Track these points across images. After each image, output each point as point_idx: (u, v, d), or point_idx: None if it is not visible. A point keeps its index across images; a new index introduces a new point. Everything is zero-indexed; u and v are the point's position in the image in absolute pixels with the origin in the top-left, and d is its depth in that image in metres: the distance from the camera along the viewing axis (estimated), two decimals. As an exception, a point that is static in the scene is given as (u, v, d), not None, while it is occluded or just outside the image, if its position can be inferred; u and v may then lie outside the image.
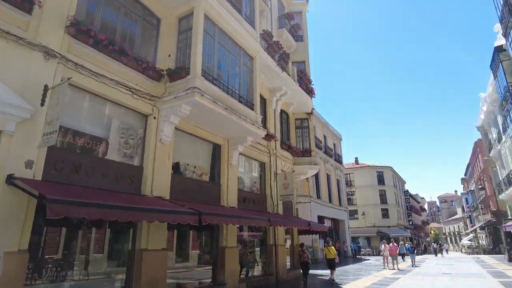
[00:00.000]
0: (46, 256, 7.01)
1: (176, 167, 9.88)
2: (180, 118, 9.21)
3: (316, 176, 31.37)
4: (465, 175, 65.89)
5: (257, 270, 13.27)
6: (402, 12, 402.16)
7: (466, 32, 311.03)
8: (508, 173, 25.58)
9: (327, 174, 34.81)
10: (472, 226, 59.30)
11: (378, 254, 37.21)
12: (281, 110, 16.94)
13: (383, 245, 20.92)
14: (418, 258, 31.17)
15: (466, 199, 64.77)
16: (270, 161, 14.69)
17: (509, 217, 28.43)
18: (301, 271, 13.51)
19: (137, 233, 8.13)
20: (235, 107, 10.25)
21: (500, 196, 28.44)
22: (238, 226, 11.32)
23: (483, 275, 15.32)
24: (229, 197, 11.37)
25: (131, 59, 8.50)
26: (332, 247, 14.43)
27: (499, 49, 20.74)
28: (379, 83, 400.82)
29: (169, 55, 9.80)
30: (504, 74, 20.18)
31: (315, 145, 32.46)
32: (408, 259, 25.56)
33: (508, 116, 20.67)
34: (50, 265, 7.02)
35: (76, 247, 7.56)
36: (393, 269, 19.04)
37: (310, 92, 17.76)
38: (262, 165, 14.60)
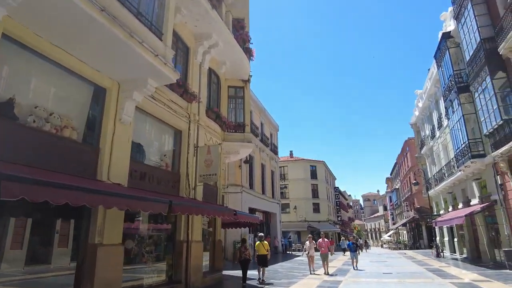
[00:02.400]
0: None
1: (5, 106, 5.65)
2: (5, 7, 5.04)
3: (250, 164, 28.46)
4: (391, 174, 69.25)
5: (158, 276, 9.47)
6: (341, 6, 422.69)
7: (405, 32, 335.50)
8: (440, 169, 25.30)
9: (262, 164, 32.14)
10: (394, 223, 62.24)
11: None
12: (210, 69, 13.29)
13: (308, 242, 15.00)
14: (343, 255, 29.80)
15: (390, 197, 68.01)
16: (189, 129, 10.94)
17: (435, 213, 28.54)
18: (242, 271, 11.59)
19: None
20: (125, 20, 6.35)
21: (429, 192, 28.33)
22: (126, 211, 7.40)
23: (428, 275, 13.56)
24: (113, 169, 7.41)
25: None
26: (266, 242, 12.75)
27: (446, 36, 19.68)
28: (314, 79, 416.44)
29: None
30: (451, 62, 19.13)
31: (252, 131, 29.68)
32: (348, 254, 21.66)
33: (450, 107, 19.77)
34: None
35: None
36: (323, 274, 14.18)
37: (248, 52, 14.37)
38: (177, 134, 10.80)
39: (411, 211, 43.87)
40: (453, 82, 18.86)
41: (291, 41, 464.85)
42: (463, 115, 17.85)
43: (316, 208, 50.67)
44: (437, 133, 26.01)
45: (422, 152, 32.08)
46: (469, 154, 17.16)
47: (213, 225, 12.83)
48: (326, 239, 15.50)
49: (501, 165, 15.00)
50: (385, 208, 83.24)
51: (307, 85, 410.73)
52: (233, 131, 14.19)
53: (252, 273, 14.00)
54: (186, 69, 11.49)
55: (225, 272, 14.85)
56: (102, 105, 7.65)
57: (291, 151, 56.77)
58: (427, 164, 31.18)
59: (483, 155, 16.81)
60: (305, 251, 15.26)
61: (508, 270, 14.22)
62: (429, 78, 27.02)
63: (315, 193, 51.45)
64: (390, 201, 67.03)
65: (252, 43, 14.67)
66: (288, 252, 35.05)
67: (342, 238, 40.40)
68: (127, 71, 7.50)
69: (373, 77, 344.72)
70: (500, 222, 16.01)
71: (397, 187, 58.62)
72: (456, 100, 18.63)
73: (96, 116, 7.55)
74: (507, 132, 13.53)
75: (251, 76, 15.16)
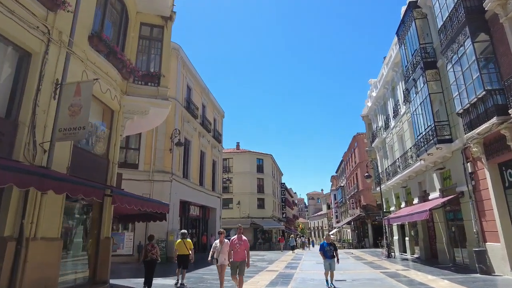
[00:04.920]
0: None
1: None
2: None
3: (186, 149, 24.15)
4: (336, 172, 68.81)
5: None
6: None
7: (358, 26, 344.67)
8: (394, 162, 23.27)
9: (201, 151, 27.96)
10: (338, 221, 61.54)
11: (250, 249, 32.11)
12: (107, -15, 8.94)
13: (218, 241, 8.81)
14: (287, 254, 26.76)
15: (335, 195, 67.49)
16: (46, 54, 6.55)
17: (385, 210, 26.63)
18: (145, 274, 9.59)
19: None
20: None
21: (382, 187, 26.25)
22: None
23: (390, 283, 10.60)
24: None
25: None
26: (189, 240, 11.15)
27: (413, 5, 17.25)
28: (265, 71, 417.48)
29: None
30: (417, 35, 16.73)
31: (190, 111, 25.34)
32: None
33: (413, 88, 17.45)
34: None
35: None
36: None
37: (169, -27, 10.23)
38: (23, 58, 6.36)
39: (357, 208, 42.61)
40: (418, 58, 16.44)
41: (236, 28, 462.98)
42: (429, 94, 15.43)
43: (261, 204, 47.62)
44: (392, 123, 23.96)
45: (373, 145, 30.28)
46: (435, 139, 14.74)
47: (96, 215, 8.51)
48: (244, 237, 8.45)
49: (474, 149, 12.60)
50: (328, 207, 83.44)
51: (262, 80, 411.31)
52: (142, 82, 9.97)
53: (162, 282, 10.02)
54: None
55: (136, 282, 10.66)
56: None
57: (238, 143, 53.28)
58: (378, 158, 29.34)
59: (450, 140, 14.49)
60: (212, 256, 8.84)
61: (478, 275, 11.82)
62: (385, 63, 24.95)
63: (260, 188, 48.39)
64: (335, 199, 66.49)
65: (176, -37, 10.57)
66: (226, 251, 31.27)
67: (292, 235, 37.61)
68: None
69: (323, 72, 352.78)
70: (467, 217, 13.71)
71: (342, 184, 57.83)
72: (421, 77, 16.22)
73: None
74: (489, 106, 11.02)
75: (174, 12, 11.00)
